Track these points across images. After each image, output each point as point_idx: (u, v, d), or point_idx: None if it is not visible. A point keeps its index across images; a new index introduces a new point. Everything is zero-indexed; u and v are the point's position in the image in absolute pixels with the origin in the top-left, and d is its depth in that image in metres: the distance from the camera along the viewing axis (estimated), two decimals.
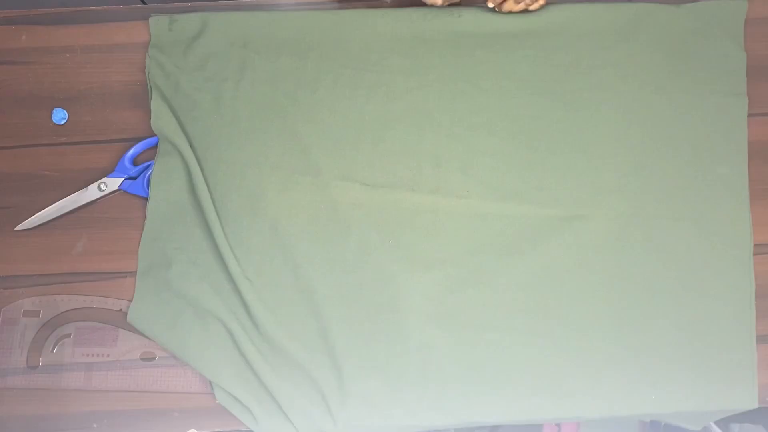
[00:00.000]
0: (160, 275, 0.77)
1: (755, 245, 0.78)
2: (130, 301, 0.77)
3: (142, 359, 0.76)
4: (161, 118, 0.80)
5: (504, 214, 0.78)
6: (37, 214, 0.79)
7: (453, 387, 0.74)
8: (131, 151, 0.80)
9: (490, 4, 0.80)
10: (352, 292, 0.76)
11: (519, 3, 0.79)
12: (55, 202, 0.79)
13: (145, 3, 0.91)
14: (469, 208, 0.78)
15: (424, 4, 0.82)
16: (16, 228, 0.79)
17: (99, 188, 0.79)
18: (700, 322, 0.75)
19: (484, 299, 0.76)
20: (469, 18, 0.82)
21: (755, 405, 0.74)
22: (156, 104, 0.80)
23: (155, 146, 0.81)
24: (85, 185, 0.80)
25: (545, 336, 0.75)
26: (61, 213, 0.79)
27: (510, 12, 0.81)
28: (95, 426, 0.74)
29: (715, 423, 1.04)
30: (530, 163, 0.79)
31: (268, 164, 0.79)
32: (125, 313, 0.76)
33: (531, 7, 0.79)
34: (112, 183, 0.80)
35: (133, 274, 0.78)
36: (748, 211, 0.78)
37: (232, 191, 0.78)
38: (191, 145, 0.79)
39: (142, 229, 0.79)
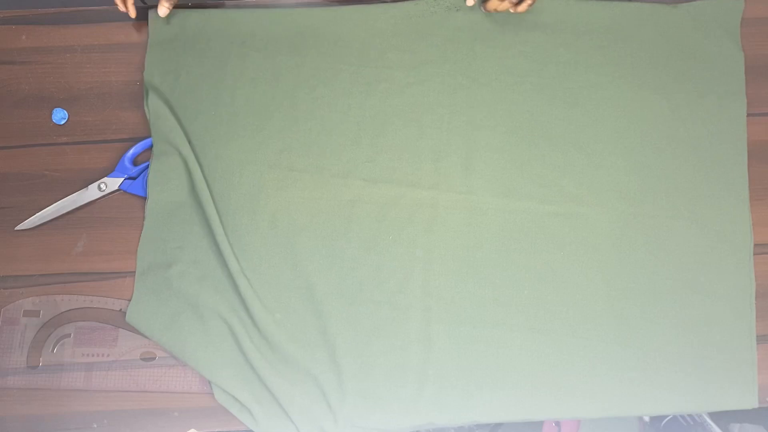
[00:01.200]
0: (159, 275, 0.77)
1: (755, 245, 0.78)
2: (130, 300, 0.77)
3: (142, 359, 0.76)
4: (159, 117, 0.80)
5: (504, 209, 0.78)
6: (37, 214, 0.79)
7: (452, 384, 0.74)
8: (131, 151, 0.80)
9: (470, 3, 0.81)
10: (352, 289, 0.76)
11: (503, 1, 0.79)
12: (55, 202, 0.79)
13: (145, 3, 0.91)
14: (469, 203, 0.78)
15: None
16: (16, 228, 0.79)
17: (99, 188, 0.79)
18: (701, 321, 0.75)
19: (483, 295, 0.76)
20: (467, 12, 0.83)
21: (755, 405, 0.74)
22: (153, 103, 0.80)
23: None
24: (85, 185, 0.80)
25: (545, 333, 0.75)
26: (61, 213, 0.79)
27: (495, 11, 0.81)
28: (95, 426, 0.74)
29: (715, 423, 1.04)
30: (530, 159, 0.79)
31: (267, 162, 0.79)
32: (125, 313, 0.76)
33: (518, 9, 0.79)
34: (112, 183, 0.79)
35: (133, 273, 0.78)
36: (747, 210, 0.78)
37: (230, 189, 0.78)
38: (189, 143, 0.80)
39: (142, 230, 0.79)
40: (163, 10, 0.81)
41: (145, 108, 0.81)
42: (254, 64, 0.82)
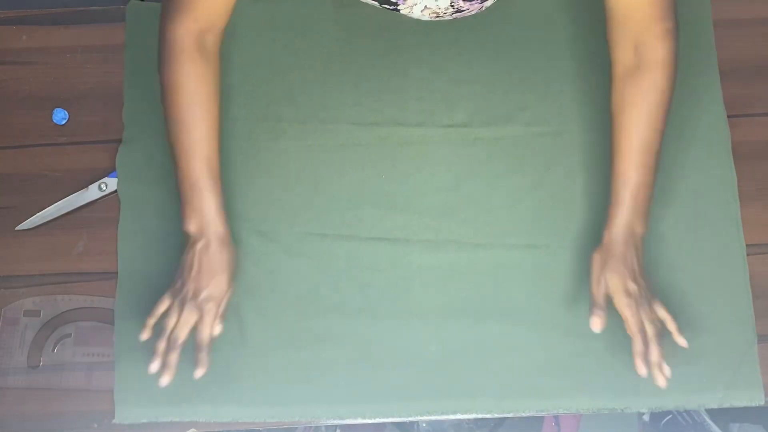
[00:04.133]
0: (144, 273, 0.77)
1: (754, 245, 0.78)
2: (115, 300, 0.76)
3: None
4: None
5: (490, 137, 0.81)
6: (38, 214, 0.79)
7: (457, 309, 0.75)
8: None
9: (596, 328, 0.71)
10: (351, 229, 0.78)
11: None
12: (56, 202, 0.79)
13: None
14: (456, 136, 0.81)
15: None
16: (16, 228, 0.79)
17: (99, 188, 0.79)
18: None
19: (480, 219, 0.78)
20: None
21: (762, 401, 0.73)
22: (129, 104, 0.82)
23: None
24: (86, 185, 0.80)
25: (542, 248, 0.77)
26: (62, 213, 0.79)
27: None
28: (95, 426, 0.74)
29: (715, 423, 1.04)
30: (510, 86, 0.82)
31: (256, 116, 0.81)
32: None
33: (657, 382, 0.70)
34: (113, 183, 0.80)
35: None
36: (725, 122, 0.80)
37: (222, 146, 0.79)
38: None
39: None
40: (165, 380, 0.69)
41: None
42: (231, 22, 0.83)
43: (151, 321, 0.70)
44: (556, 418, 1.22)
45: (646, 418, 1.19)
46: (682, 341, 0.71)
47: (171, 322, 0.68)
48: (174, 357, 0.68)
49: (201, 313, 0.68)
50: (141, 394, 0.73)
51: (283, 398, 0.73)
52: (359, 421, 0.74)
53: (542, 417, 1.23)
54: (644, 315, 0.69)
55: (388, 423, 1.16)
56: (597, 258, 0.71)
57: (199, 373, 0.68)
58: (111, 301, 0.77)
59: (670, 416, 1.13)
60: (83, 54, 0.85)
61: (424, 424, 1.20)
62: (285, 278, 0.76)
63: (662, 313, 0.71)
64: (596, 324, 0.69)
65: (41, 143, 0.82)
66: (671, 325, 0.71)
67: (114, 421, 0.72)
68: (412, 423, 1.19)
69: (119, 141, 0.81)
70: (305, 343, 0.75)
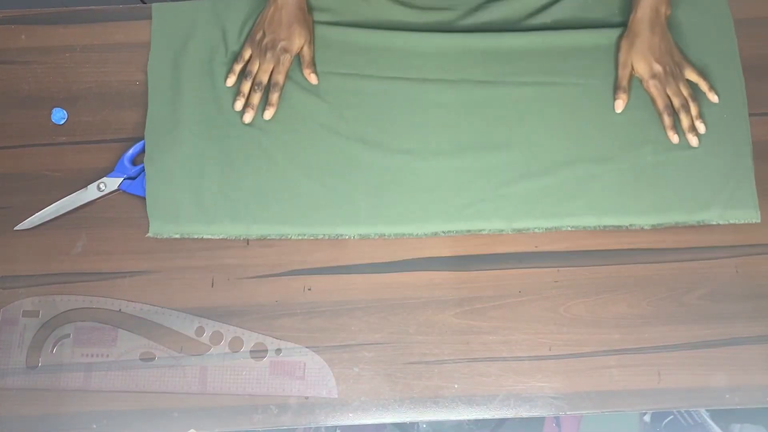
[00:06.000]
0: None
1: (758, 245, 0.78)
2: (130, 301, 0.77)
3: (142, 359, 0.76)
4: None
5: None
6: (37, 214, 0.79)
7: (469, 137, 0.79)
8: (130, 151, 0.80)
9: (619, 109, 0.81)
10: (371, 68, 0.82)
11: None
12: (55, 202, 0.79)
13: (145, 3, 0.91)
14: None
15: None
16: (15, 228, 0.79)
17: (98, 188, 0.79)
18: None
19: (494, 60, 0.82)
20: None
21: (758, 219, 0.76)
22: None
23: None
24: (85, 185, 0.80)
25: (552, 84, 0.81)
26: (61, 213, 0.79)
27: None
28: (95, 426, 0.74)
29: (716, 423, 1.04)
30: None
31: None
32: (125, 313, 0.76)
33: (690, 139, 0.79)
34: (112, 183, 0.80)
35: (133, 274, 0.78)
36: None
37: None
38: None
39: (145, 215, 0.79)
40: (248, 117, 0.81)
41: None
42: None
43: (238, 66, 0.81)
44: (557, 419, 1.22)
45: (647, 418, 1.19)
46: (713, 98, 0.79)
47: (254, 67, 0.80)
48: (257, 98, 0.80)
49: (278, 60, 0.79)
50: (172, 213, 0.78)
51: (310, 219, 0.77)
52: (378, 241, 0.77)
53: (543, 418, 1.22)
54: (671, 91, 0.78)
55: (389, 424, 1.16)
56: (624, 43, 0.79)
57: (268, 114, 0.80)
58: (110, 301, 0.77)
59: (671, 417, 1.13)
60: (82, 54, 0.85)
61: (424, 425, 1.20)
62: (308, 114, 0.81)
63: (693, 76, 0.80)
64: (619, 106, 0.79)
65: (40, 143, 0.82)
66: (704, 86, 0.79)
67: (147, 235, 0.77)
68: (412, 423, 1.19)
69: (118, 141, 0.81)
70: (328, 172, 0.78)
